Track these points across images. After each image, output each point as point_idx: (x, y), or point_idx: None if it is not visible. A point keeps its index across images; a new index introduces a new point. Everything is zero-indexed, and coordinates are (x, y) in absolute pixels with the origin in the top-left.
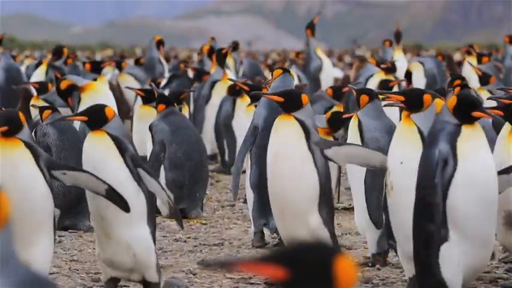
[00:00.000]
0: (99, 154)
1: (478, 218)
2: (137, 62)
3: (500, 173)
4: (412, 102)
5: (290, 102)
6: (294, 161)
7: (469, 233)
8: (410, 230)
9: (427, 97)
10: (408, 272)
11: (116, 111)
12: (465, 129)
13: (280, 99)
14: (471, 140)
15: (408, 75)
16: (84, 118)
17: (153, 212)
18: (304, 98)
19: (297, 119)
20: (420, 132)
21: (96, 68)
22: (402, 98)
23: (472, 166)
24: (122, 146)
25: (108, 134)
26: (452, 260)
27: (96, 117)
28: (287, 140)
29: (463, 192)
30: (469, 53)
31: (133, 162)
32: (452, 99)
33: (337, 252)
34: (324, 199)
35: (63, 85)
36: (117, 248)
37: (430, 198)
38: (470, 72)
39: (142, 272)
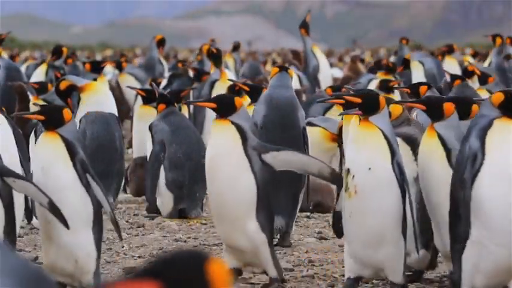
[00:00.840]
0: (49, 155)
1: (503, 215)
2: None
3: None
4: (369, 105)
5: (223, 107)
6: (230, 166)
7: (491, 231)
8: (367, 234)
9: (381, 99)
10: (349, 272)
11: (116, 112)
12: (497, 123)
13: (213, 105)
14: (502, 133)
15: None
16: (42, 118)
17: (99, 218)
18: (238, 101)
19: (233, 123)
20: (385, 136)
21: (96, 68)
22: (359, 100)
23: (499, 159)
24: (73, 150)
25: (61, 136)
26: (469, 258)
27: (52, 118)
28: (223, 144)
29: (488, 187)
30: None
31: (83, 167)
32: (498, 95)
33: (208, 258)
34: (261, 204)
35: (63, 85)
36: (59, 253)
37: (458, 193)
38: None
39: (80, 277)
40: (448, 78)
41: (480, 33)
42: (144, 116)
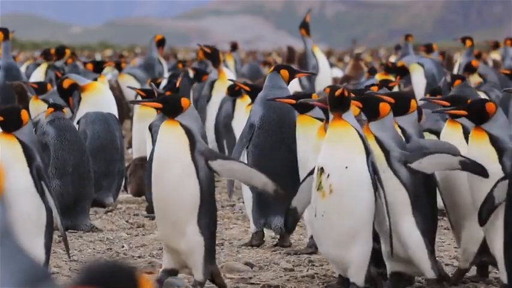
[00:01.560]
0: (6, 159)
1: None
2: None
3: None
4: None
5: (169, 107)
6: (175, 171)
7: None
8: (341, 233)
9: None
10: (337, 270)
11: (116, 112)
12: None
13: (158, 105)
14: None
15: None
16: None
17: (51, 224)
18: (184, 101)
19: (182, 125)
20: (360, 134)
21: (97, 68)
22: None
23: None
24: (30, 154)
25: (18, 139)
26: None
27: (10, 120)
28: (170, 147)
29: None
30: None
31: (38, 173)
32: None
33: (135, 271)
34: (204, 209)
35: (65, 84)
36: None
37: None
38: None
39: None
40: (448, 78)
41: (480, 33)
42: (144, 116)
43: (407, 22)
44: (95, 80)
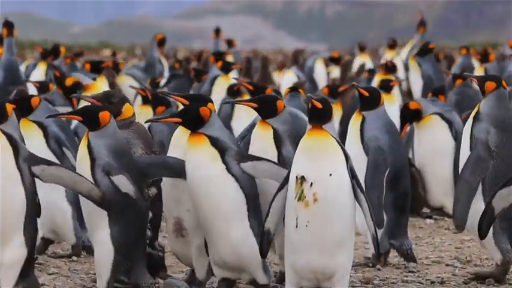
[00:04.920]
0: None
1: None
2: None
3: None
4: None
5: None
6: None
7: None
8: (327, 242)
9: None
10: (290, 285)
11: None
12: None
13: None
14: None
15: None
16: None
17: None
18: (9, 107)
19: (3, 131)
20: (337, 141)
21: (96, 68)
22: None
23: None
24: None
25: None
26: None
27: None
28: None
29: None
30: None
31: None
32: None
33: None
34: (29, 219)
35: (69, 82)
36: None
37: None
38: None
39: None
40: (450, 77)
41: (481, 33)
42: (144, 116)
43: (407, 22)
44: (94, 79)
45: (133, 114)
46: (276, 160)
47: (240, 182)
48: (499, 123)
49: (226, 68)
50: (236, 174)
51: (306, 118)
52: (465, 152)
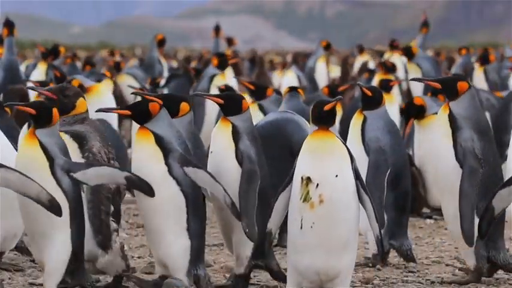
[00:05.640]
0: None
1: None
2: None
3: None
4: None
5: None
6: None
7: None
8: (333, 243)
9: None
10: (291, 286)
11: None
12: None
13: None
14: None
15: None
16: None
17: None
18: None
19: None
20: (342, 141)
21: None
22: None
23: None
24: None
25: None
26: None
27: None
28: None
29: None
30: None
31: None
32: None
33: None
34: None
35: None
36: None
37: None
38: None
39: None
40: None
41: (481, 33)
42: None
43: (407, 22)
44: (99, 81)
45: (87, 109)
46: (233, 155)
47: (182, 185)
48: (478, 126)
49: (222, 65)
50: (178, 177)
51: (302, 122)
52: (446, 158)
